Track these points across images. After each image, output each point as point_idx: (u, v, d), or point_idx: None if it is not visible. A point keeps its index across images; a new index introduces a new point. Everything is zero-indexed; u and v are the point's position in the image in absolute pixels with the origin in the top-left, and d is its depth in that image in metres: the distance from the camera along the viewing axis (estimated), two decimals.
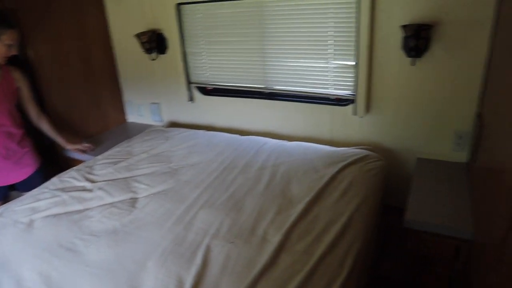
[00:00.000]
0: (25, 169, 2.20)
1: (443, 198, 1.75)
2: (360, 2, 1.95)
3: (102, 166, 2.18)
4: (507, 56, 1.43)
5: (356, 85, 2.12)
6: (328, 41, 2.14)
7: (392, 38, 1.98)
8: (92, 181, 2.02)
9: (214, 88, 2.71)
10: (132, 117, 3.20)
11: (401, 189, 2.15)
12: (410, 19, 1.90)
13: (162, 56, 2.77)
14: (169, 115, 2.99)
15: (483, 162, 1.61)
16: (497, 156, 1.31)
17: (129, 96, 3.13)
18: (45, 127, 2.33)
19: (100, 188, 1.94)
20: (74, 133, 2.74)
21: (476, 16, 1.77)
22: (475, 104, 1.91)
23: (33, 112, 2.26)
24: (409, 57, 1.94)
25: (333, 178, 1.83)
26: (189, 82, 2.72)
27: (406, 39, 1.91)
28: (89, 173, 2.11)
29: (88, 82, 2.84)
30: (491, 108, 1.64)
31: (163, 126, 2.93)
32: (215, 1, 2.38)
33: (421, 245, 1.68)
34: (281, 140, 2.34)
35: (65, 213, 1.76)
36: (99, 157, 2.33)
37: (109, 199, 1.84)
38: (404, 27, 1.87)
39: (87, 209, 1.78)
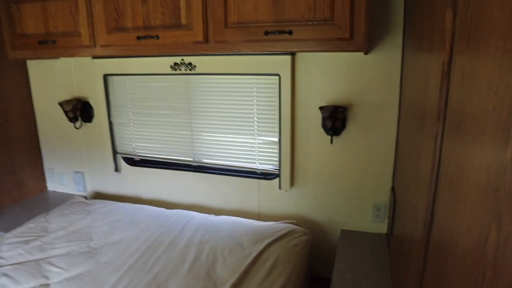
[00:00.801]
0: None
1: (365, 271, 1.81)
2: (281, 84, 2.07)
3: (10, 246, 1.99)
4: (406, 136, 1.60)
5: (280, 160, 2.19)
6: (253, 118, 2.23)
7: (312, 117, 2.12)
8: None
9: (142, 159, 2.66)
10: (53, 185, 3.00)
11: (328, 260, 2.20)
12: (327, 101, 2.06)
13: (88, 124, 2.69)
14: (93, 185, 2.85)
15: (396, 233, 1.71)
16: (405, 228, 1.41)
17: (50, 164, 2.95)
18: None
19: (4, 274, 1.74)
20: None
21: (385, 99, 1.97)
22: (390, 178, 2.06)
23: None
24: (328, 135, 2.07)
25: (258, 256, 1.82)
26: (115, 152, 2.64)
27: (324, 119, 2.05)
28: None
29: (2, 148, 2.64)
30: (399, 182, 1.78)
31: (87, 196, 2.78)
32: (143, 75, 2.41)
33: None
34: (208, 215, 2.31)
35: None
36: (9, 234, 2.12)
37: None
38: (321, 108, 2.01)
39: None
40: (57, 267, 1.80)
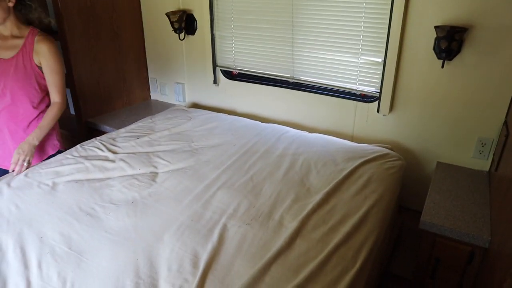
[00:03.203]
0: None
1: (461, 203, 1.75)
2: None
3: (124, 138, 2.22)
4: None
5: (382, 83, 2.10)
6: (359, 36, 2.13)
7: (423, 38, 1.96)
8: (114, 152, 2.06)
9: (240, 73, 2.72)
10: (155, 95, 3.23)
11: (419, 191, 2.15)
12: (444, 20, 1.88)
13: (190, 37, 2.79)
14: (192, 96, 3.02)
15: (505, 171, 1.59)
16: None
17: (154, 74, 3.16)
18: (48, 114, 1.98)
19: (121, 160, 1.97)
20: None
21: None
22: (504, 112, 1.89)
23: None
24: (439, 58, 1.92)
25: (352, 172, 1.83)
26: (215, 65, 2.73)
27: (438, 40, 1.89)
28: (112, 144, 2.15)
29: (116, 57, 2.88)
30: None
31: (185, 107, 2.96)
32: None
33: (435, 248, 1.68)
34: (302, 131, 2.34)
35: (87, 180, 1.80)
36: (122, 130, 2.37)
37: (130, 171, 1.88)
38: (437, 27, 1.84)
39: (108, 178, 1.82)
40: (164, 159, 1.99)
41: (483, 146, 2.00)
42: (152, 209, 1.60)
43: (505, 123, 1.85)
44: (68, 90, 2.54)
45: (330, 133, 2.36)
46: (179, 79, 3.02)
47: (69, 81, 2.61)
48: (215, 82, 2.77)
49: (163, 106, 3.01)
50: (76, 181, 1.79)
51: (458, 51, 1.89)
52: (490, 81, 1.88)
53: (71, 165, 1.91)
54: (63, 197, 1.66)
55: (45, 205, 1.60)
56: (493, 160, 1.95)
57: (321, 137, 2.23)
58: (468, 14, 1.83)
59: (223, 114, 2.62)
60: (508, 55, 1.80)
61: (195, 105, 3.00)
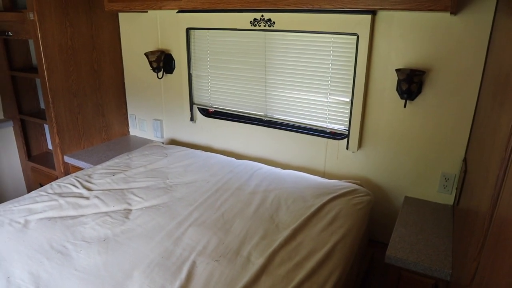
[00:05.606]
0: None
1: (425, 237, 1.81)
2: (358, 44, 2.06)
3: (100, 175, 2.26)
4: (485, 106, 1.54)
5: (350, 121, 2.21)
6: (328, 77, 2.25)
7: (387, 80, 2.09)
8: (89, 189, 2.09)
9: (216, 111, 2.81)
10: (134, 131, 3.29)
11: (388, 225, 2.22)
12: (404, 64, 2.02)
13: (168, 75, 2.89)
14: (170, 133, 3.08)
15: (464, 205, 1.68)
16: (472, 200, 1.39)
17: (133, 111, 3.23)
18: None
19: (96, 197, 2.00)
20: (77, 140, 2.84)
21: (467, 67, 1.88)
22: (463, 148, 2.00)
23: None
24: (402, 99, 2.04)
25: (320, 208, 1.89)
26: (192, 103, 2.82)
27: (399, 82, 2.01)
28: (87, 181, 2.18)
29: (95, 93, 2.94)
30: (472, 154, 1.73)
31: (163, 143, 3.02)
32: (224, 29, 2.51)
33: (401, 281, 1.73)
34: (275, 168, 2.41)
35: (60, 217, 1.82)
36: (99, 166, 2.40)
37: (103, 208, 1.91)
38: (398, 70, 1.98)
39: (82, 215, 1.84)
40: (138, 196, 2.02)
41: (446, 181, 2.10)
42: (124, 246, 1.62)
43: (465, 159, 1.96)
44: (45, 126, 2.58)
45: (303, 169, 2.44)
46: (157, 115, 3.09)
47: (47, 116, 2.66)
48: (192, 119, 2.85)
49: (142, 142, 3.06)
50: (49, 218, 1.81)
51: (419, 91, 2.02)
52: (450, 120, 2.00)
53: (45, 202, 1.93)
54: (35, 235, 1.67)
55: (15, 244, 1.61)
56: (455, 195, 2.04)
57: (293, 174, 2.30)
58: (426, 59, 1.97)
59: (199, 150, 2.68)
60: (464, 96, 1.93)
61: (173, 141, 3.07)
